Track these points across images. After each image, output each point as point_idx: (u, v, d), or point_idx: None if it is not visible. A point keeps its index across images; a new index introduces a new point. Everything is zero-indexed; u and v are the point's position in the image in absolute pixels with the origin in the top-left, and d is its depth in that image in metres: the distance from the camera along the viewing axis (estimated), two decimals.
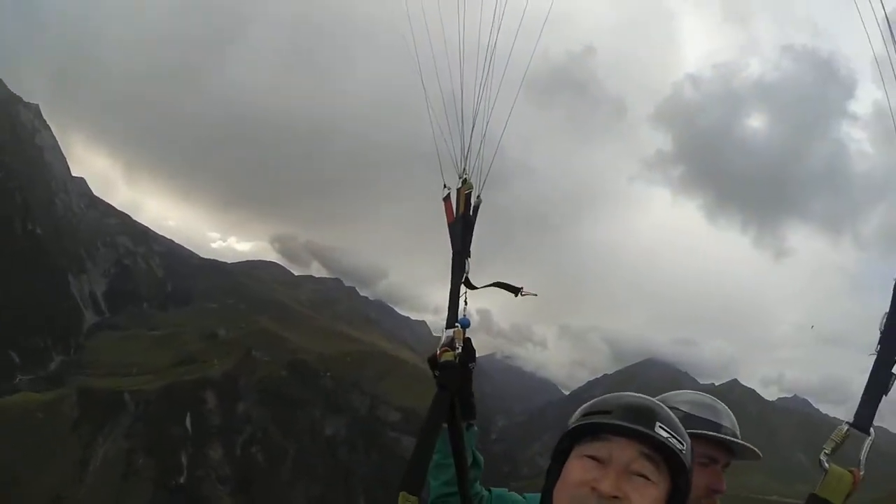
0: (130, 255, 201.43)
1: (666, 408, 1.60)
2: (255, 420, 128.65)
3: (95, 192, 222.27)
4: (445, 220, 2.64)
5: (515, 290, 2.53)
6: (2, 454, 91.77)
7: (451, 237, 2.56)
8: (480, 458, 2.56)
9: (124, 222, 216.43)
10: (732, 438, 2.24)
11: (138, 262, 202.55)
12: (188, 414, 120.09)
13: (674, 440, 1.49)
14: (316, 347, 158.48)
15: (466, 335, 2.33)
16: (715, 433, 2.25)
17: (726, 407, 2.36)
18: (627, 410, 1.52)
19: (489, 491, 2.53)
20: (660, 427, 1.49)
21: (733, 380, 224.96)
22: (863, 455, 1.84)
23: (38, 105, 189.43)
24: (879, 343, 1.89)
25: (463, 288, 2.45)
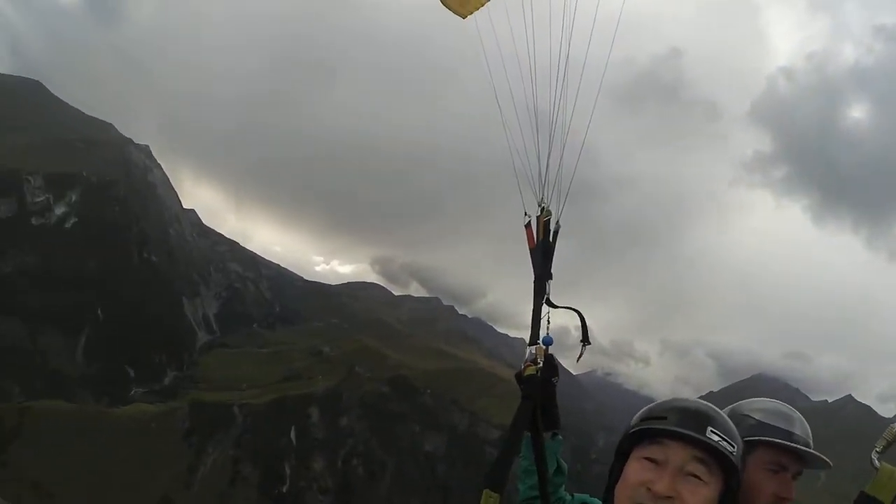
0: (241, 279, 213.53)
1: (720, 413, 1.74)
2: (357, 434, 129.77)
3: (206, 223, 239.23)
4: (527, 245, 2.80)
5: (584, 336, 2.63)
6: (117, 459, 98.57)
7: (533, 262, 2.74)
8: (565, 465, 2.69)
9: (233, 249, 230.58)
10: (803, 448, 2.21)
11: (248, 285, 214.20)
12: (293, 427, 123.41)
13: (724, 443, 1.62)
14: (416, 364, 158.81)
15: (549, 352, 2.53)
16: (786, 441, 2.23)
17: (801, 416, 2.31)
18: (682, 416, 1.66)
19: (572, 496, 2.66)
20: (711, 431, 1.62)
21: (847, 396, 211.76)
22: None
23: (147, 146, 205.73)
24: None
25: (545, 308, 2.62)
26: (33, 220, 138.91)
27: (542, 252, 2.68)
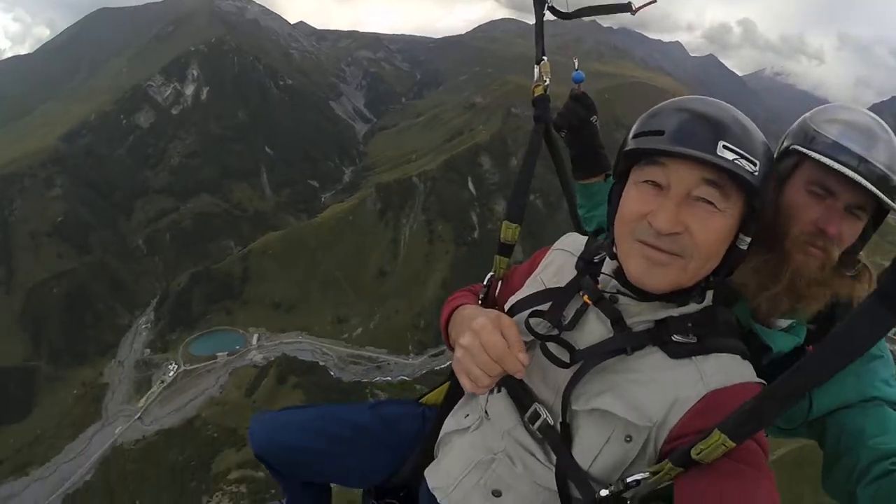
0: (373, 62, 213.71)
1: (737, 117, 1.34)
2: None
3: (319, 28, 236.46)
4: None
5: (625, 8, 2.15)
6: (333, 259, 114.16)
7: None
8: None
9: (355, 38, 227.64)
10: (858, 176, 1.59)
11: (382, 66, 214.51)
12: (469, 179, 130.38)
13: (743, 161, 1.27)
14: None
15: (581, 89, 2.34)
16: (844, 164, 1.62)
17: (894, 137, 1.68)
18: (682, 131, 1.29)
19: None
20: (724, 147, 1.26)
21: None
22: None
23: None
24: None
25: (551, 17, 2.23)
26: (174, 111, 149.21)
27: None
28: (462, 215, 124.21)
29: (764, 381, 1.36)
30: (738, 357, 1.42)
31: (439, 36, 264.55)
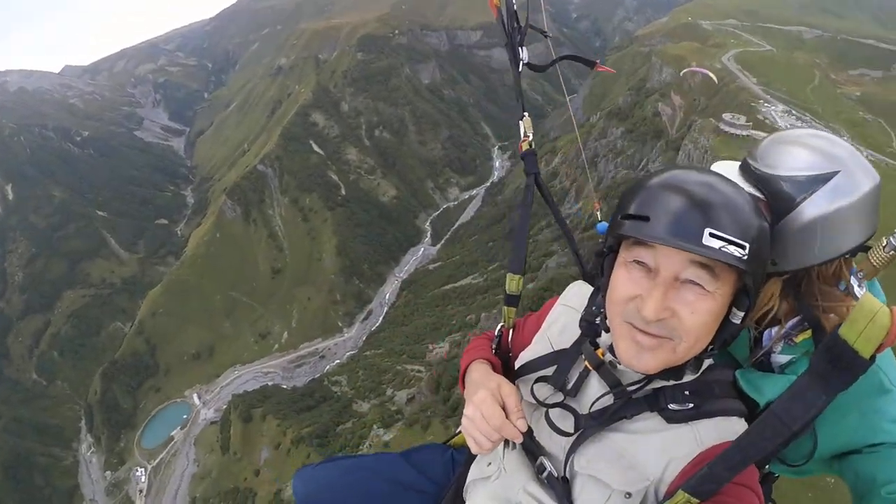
0: (159, 72, 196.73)
1: (726, 194, 1.29)
2: None
3: (87, 63, 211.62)
4: None
5: (590, 64, 2.47)
6: (217, 285, 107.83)
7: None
8: None
9: (129, 56, 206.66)
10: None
11: (169, 71, 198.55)
12: (311, 141, 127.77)
13: (730, 248, 1.24)
14: None
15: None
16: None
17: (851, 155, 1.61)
18: (667, 218, 1.26)
19: None
20: (710, 235, 1.23)
21: None
22: None
23: None
24: None
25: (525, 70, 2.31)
26: None
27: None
28: (321, 179, 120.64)
29: None
30: (734, 418, 1.45)
31: (212, 15, 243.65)
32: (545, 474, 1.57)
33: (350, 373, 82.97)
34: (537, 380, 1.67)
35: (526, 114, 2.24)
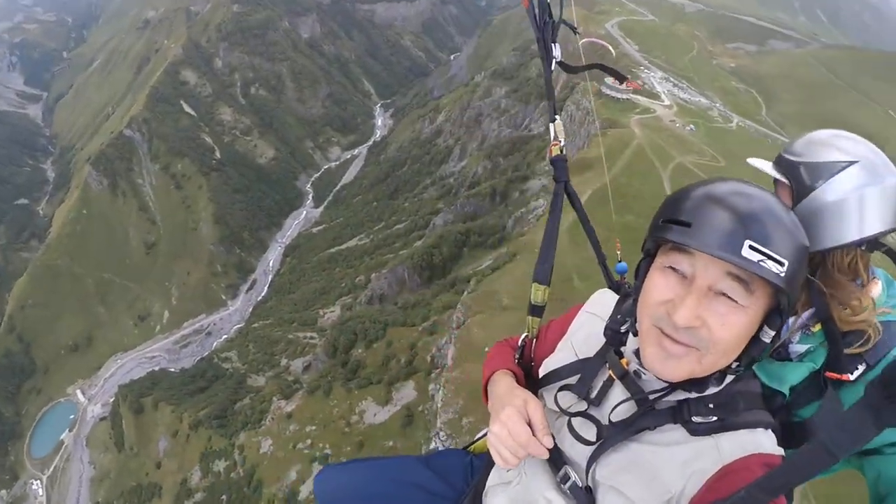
0: (14, 31, 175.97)
1: (770, 208, 1.30)
2: None
3: None
4: None
5: (620, 78, 2.54)
6: (87, 268, 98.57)
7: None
8: None
9: None
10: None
11: (26, 28, 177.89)
12: (181, 102, 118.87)
13: (769, 263, 1.25)
14: None
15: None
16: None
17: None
18: (708, 226, 1.27)
19: None
20: (750, 248, 1.24)
21: None
22: None
23: None
24: None
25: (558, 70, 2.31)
26: None
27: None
28: (194, 143, 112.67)
29: (782, 453, 1.42)
30: (759, 430, 1.44)
31: None
32: (569, 484, 1.58)
33: (240, 347, 79.84)
34: (561, 388, 1.68)
35: (558, 117, 2.20)
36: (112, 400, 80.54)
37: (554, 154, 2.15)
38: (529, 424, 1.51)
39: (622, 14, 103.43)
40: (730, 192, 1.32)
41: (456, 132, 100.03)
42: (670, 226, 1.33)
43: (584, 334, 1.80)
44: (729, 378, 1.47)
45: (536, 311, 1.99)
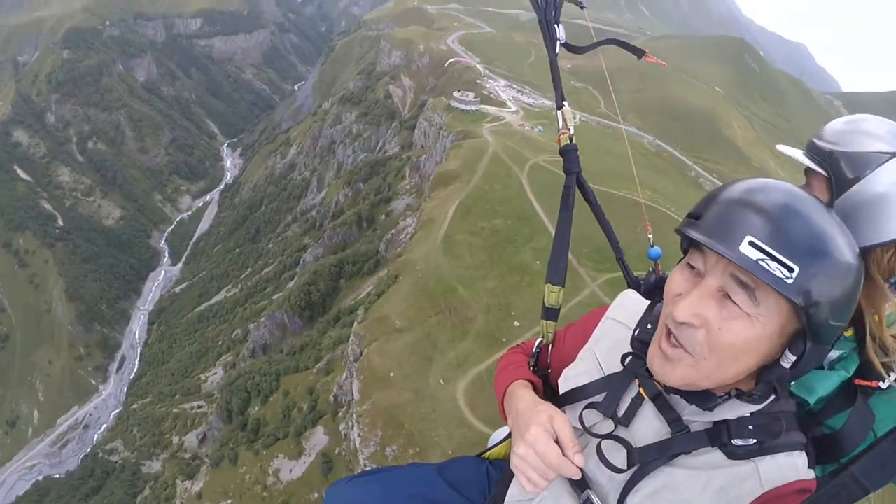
0: None
1: (795, 207, 1.15)
2: None
3: None
4: None
5: (638, 53, 2.32)
6: None
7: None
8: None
9: None
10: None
11: None
12: (15, 166, 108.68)
13: (770, 263, 1.11)
14: None
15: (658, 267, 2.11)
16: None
17: None
18: (715, 217, 1.20)
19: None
20: (749, 244, 1.12)
21: None
22: None
23: None
24: None
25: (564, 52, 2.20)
26: None
27: None
28: (33, 212, 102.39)
29: (815, 475, 1.35)
30: (796, 452, 1.36)
31: None
32: None
33: (124, 435, 73.09)
34: (587, 406, 1.56)
35: (566, 103, 2.06)
36: None
37: (563, 144, 2.05)
38: (556, 442, 1.40)
39: (461, 28, 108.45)
40: (751, 187, 1.21)
41: (310, 163, 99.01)
42: (687, 219, 1.28)
43: (608, 343, 1.66)
44: (771, 398, 1.36)
45: (551, 314, 1.89)
